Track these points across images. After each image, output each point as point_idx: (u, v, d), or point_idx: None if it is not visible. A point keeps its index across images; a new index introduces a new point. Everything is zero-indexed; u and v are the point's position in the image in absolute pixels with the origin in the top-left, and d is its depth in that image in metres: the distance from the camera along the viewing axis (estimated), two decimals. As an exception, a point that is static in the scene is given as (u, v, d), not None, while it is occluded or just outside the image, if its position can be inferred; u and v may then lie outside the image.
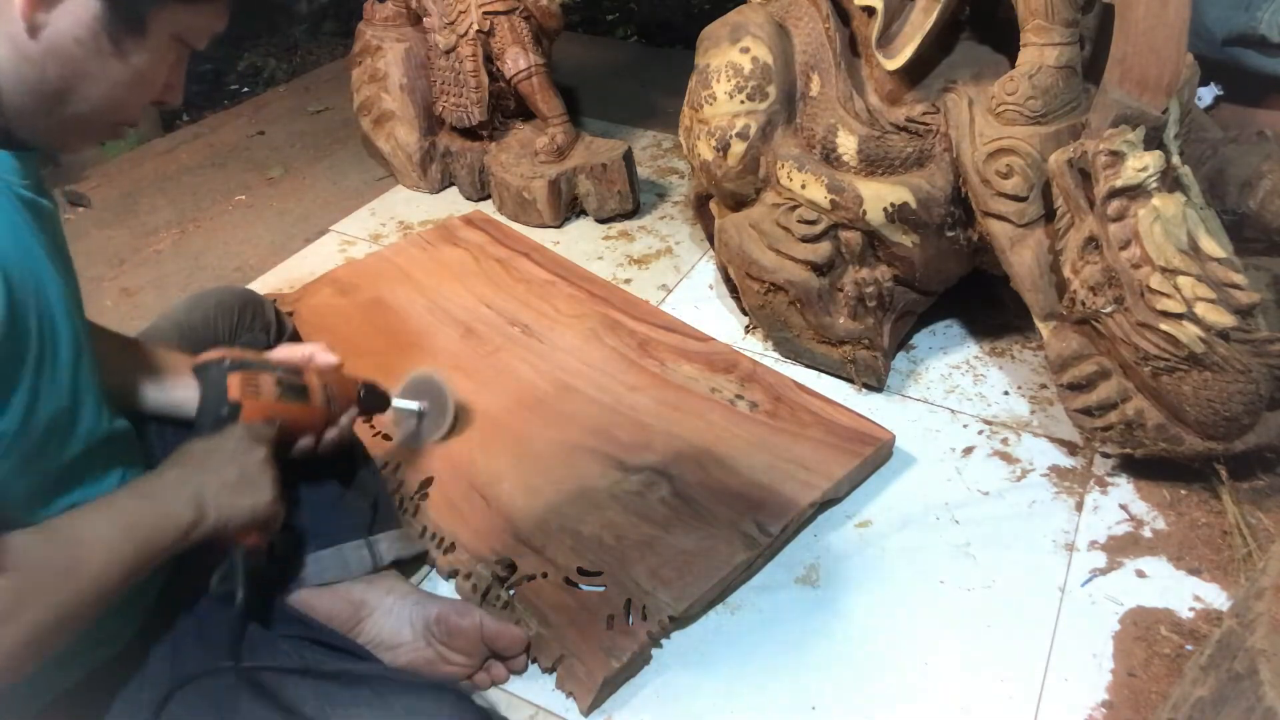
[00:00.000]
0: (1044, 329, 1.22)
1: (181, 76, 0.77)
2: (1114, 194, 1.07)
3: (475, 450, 1.28)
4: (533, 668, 1.05)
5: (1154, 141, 1.12)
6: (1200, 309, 1.03)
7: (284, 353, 1.03)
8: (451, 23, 1.85)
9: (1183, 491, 1.23)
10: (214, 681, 0.83)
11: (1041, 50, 1.15)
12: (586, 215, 1.90)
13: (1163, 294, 1.05)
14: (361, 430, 1.32)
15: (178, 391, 0.95)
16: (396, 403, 1.20)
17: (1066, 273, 1.14)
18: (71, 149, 0.76)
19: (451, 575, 1.15)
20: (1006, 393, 1.42)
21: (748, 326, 1.58)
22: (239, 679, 0.83)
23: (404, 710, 0.83)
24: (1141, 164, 1.05)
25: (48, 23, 0.67)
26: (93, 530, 0.71)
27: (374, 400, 1.12)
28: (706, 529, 1.14)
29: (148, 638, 0.85)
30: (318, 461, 1.01)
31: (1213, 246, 1.04)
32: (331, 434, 1.01)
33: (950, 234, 1.31)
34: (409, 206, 2.00)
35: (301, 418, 0.98)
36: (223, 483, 0.82)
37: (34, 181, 0.73)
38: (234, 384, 0.93)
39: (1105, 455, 1.28)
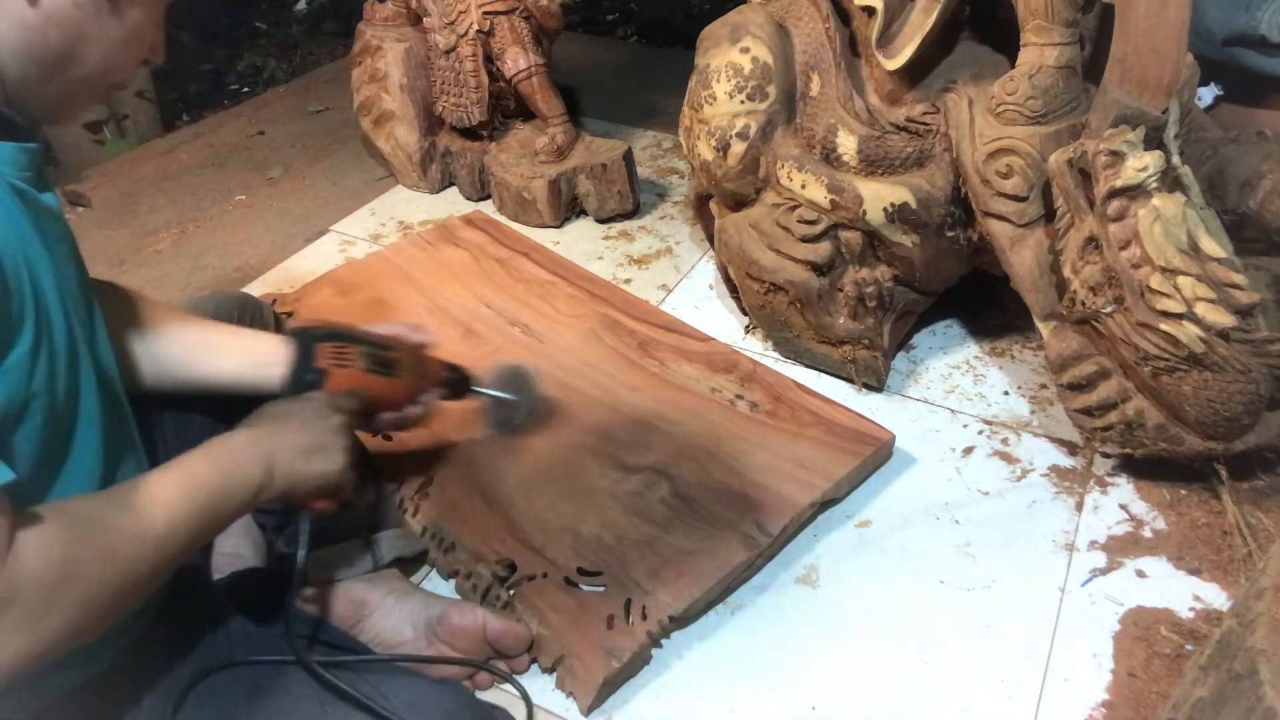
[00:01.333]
0: (1044, 329, 1.22)
1: (162, 35, 0.78)
2: (1114, 194, 1.07)
3: (475, 450, 1.28)
4: (533, 667, 1.05)
5: (1154, 141, 1.12)
6: (1200, 309, 1.03)
7: (372, 329, 1.06)
8: (451, 23, 1.85)
9: (1183, 491, 1.23)
10: (228, 675, 0.83)
11: (1041, 50, 1.15)
12: (586, 215, 1.90)
13: (1163, 294, 1.05)
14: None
15: (230, 360, 0.96)
16: (480, 390, 1.19)
17: (1066, 273, 1.14)
18: (67, 117, 0.76)
19: (451, 575, 1.15)
20: (1006, 393, 1.42)
21: (748, 326, 1.58)
22: (253, 674, 0.84)
23: (405, 706, 0.83)
24: (1141, 164, 1.05)
25: None
26: (156, 493, 0.72)
27: (457, 383, 1.14)
28: (706, 529, 1.14)
29: (147, 647, 0.83)
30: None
31: (1213, 246, 1.04)
32: (414, 410, 1.05)
33: (950, 234, 1.31)
34: (409, 206, 2.00)
35: (386, 392, 1.00)
36: (295, 447, 0.84)
37: (34, 174, 0.72)
38: (322, 352, 0.96)
39: (1105, 455, 1.28)
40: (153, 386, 0.93)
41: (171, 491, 0.73)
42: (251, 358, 0.97)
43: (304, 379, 0.95)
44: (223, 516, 0.78)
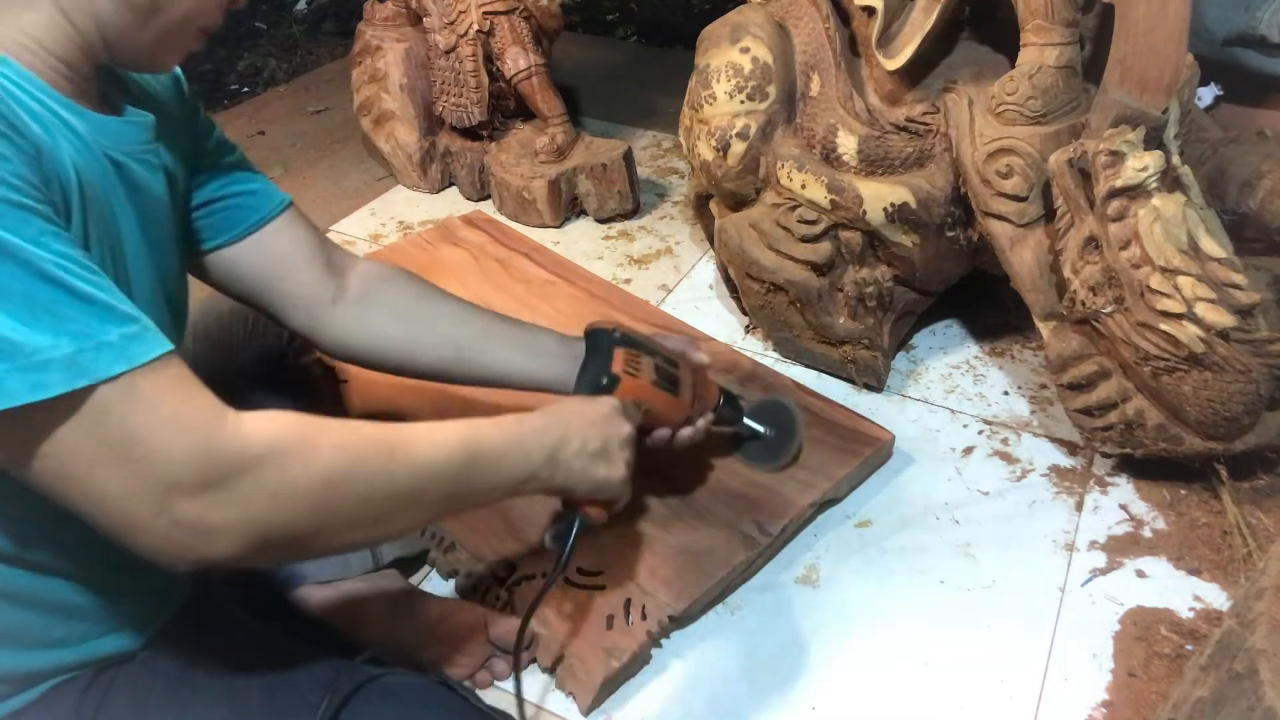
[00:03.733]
0: (1044, 329, 1.22)
1: None
2: (1114, 194, 1.07)
3: (475, 450, 1.28)
4: (532, 667, 1.05)
5: (1154, 141, 1.12)
6: (1200, 309, 1.03)
7: (661, 342, 1.05)
8: (451, 23, 1.86)
9: (1183, 491, 1.23)
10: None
11: (1041, 50, 1.15)
12: (586, 215, 1.90)
13: (1163, 294, 1.05)
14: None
15: (516, 355, 0.98)
16: (747, 421, 1.16)
17: (1066, 273, 1.14)
18: (165, 64, 0.77)
19: (451, 575, 1.15)
20: (1006, 393, 1.42)
21: (748, 326, 1.58)
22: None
23: (413, 703, 0.83)
24: (1141, 164, 1.05)
25: None
26: (430, 429, 0.71)
27: (730, 412, 1.12)
28: (706, 529, 1.14)
29: (161, 647, 0.82)
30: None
31: (1213, 246, 1.04)
32: (686, 433, 1.03)
33: (950, 234, 1.31)
34: (409, 206, 2.00)
35: (667, 409, 0.99)
36: (583, 447, 0.83)
37: (138, 149, 0.74)
38: (618, 357, 0.95)
39: (1105, 455, 1.28)
40: (440, 373, 0.95)
41: (447, 433, 0.72)
42: (540, 354, 0.98)
43: (599, 382, 0.94)
44: (487, 485, 0.76)
